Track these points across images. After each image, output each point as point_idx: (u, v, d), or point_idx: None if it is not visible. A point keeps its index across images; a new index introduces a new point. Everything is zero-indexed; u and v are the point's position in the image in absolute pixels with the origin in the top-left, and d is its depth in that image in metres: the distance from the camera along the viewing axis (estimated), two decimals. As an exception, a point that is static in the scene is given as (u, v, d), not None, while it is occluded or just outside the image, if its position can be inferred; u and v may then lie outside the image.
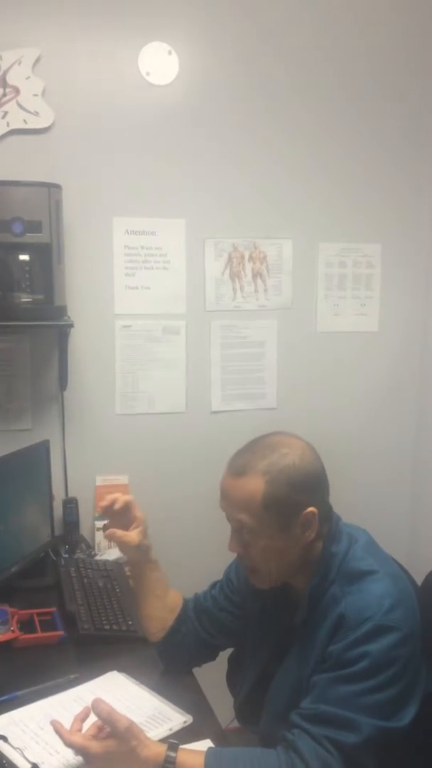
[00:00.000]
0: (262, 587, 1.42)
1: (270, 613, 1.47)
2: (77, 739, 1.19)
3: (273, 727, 1.34)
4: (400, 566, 1.43)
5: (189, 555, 2.33)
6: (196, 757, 1.21)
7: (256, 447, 1.36)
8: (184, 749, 1.22)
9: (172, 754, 1.19)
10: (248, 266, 2.42)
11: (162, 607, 1.55)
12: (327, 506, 1.38)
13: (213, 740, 1.32)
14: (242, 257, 2.41)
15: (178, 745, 1.22)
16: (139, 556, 1.51)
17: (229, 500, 1.35)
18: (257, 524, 1.32)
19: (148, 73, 2.24)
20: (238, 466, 1.34)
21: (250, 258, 2.42)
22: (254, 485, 1.31)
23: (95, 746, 1.18)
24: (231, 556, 1.60)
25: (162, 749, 1.20)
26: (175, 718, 1.38)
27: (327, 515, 1.38)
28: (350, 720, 1.20)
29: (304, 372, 2.52)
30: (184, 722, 1.38)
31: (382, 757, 1.23)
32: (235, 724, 2.02)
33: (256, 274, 2.43)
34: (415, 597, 1.34)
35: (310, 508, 1.31)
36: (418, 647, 1.28)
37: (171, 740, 1.23)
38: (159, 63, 2.24)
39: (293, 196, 2.43)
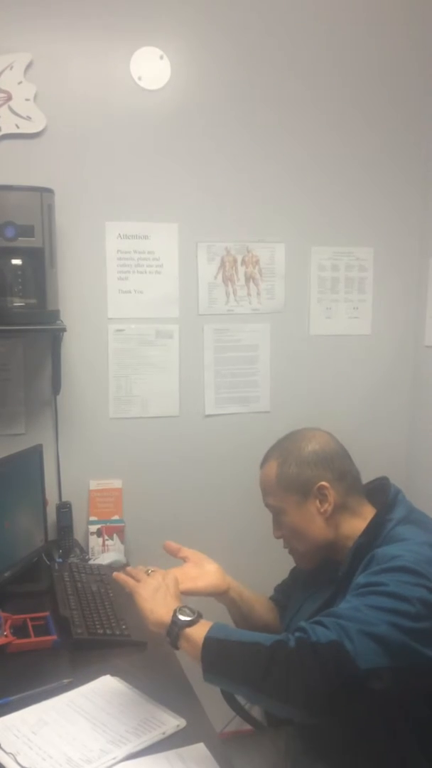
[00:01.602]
0: (305, 568, 1.53)
1: (315, 575, 1.51)
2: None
3: None
4: None
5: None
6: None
7: (278, 441, 1.54)
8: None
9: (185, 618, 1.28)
10: (241, 270, 2.42)
11: (269, 608, 1.66)
12: (345, 482, 1.45)
13: (206, 744, 1.32)
14: (235, 261, 2.41)
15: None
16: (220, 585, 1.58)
17: (261, 490, 1.53)
18: (280, 504, 1.47)
19: (139, 78, 2.25)
20: (262, 460, 1.54)
21: (243, 262, 2.42)
22: (271, 470, 1.49)
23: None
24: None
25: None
26: (169, 722, 1.38)
27: (347, 489, 1.44)
28: (366, 619, 1.16)
29: (297, 375, 2.52)
30: (177, 726, 1.37)
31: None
32: (230, 728, 2.01)
33: (249, 278, 2.43)
34: None
35: (322, 482, 1.43)
36: None
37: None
38: (150, 67, 2.25)
39: (286, 200, 2.43)
